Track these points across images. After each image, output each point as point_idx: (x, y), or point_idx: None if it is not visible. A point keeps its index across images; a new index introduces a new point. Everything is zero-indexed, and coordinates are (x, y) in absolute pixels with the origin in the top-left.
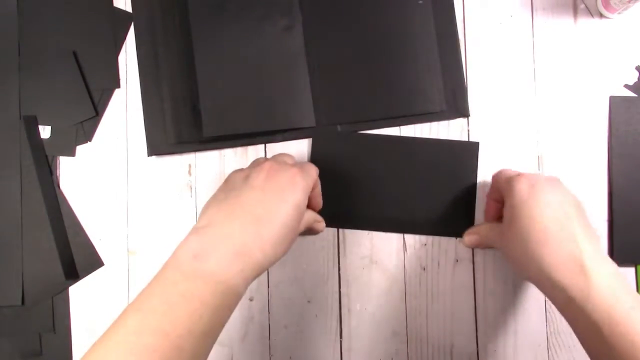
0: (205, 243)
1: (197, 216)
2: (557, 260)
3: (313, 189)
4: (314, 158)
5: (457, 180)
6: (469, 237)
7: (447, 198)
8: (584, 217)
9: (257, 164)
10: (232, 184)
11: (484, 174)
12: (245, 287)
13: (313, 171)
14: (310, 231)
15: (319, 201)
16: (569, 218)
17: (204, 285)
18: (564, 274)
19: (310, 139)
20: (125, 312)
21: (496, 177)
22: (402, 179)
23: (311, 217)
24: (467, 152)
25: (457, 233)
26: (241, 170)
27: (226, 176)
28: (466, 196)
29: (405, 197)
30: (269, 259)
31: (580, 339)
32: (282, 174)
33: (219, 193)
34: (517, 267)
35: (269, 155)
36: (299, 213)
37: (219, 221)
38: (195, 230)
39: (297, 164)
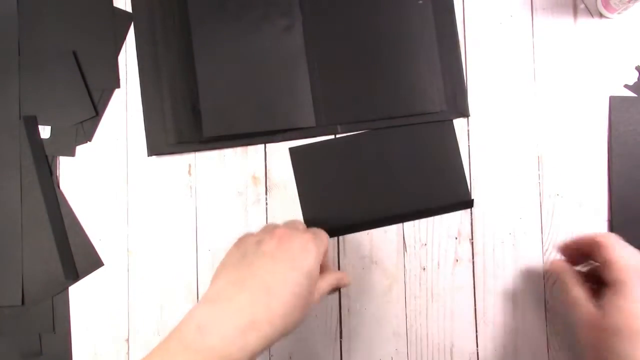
0: (211, 316)
1: (197, 216)
2: None
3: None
4: (298, 177)
5: (443, 160)
6: (557, 267)
7: (438, 178)
8: None
9: (269, 230)
10: (244, 249)
11: (481, 165)
12: None
13: (325, 237)
14: (336, 288)
15: (328, 264)
16: None
17: (203, 359)
18: None
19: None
20: None
21: (604, 247)
22: (389, 172)
23: (332, 279)
24: (445, 130)
25: (454, 208)
26: (252, 234)
27: (227, 173)
28: (456, 171)
29: (397, 188)
30: (278, 331)
31: None
32: (294, 241)
33: (230, 257)
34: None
35: (268, 155)
36: (311, 281)
37: (228, 293)
38: (204, 300)
39: (309, 230)
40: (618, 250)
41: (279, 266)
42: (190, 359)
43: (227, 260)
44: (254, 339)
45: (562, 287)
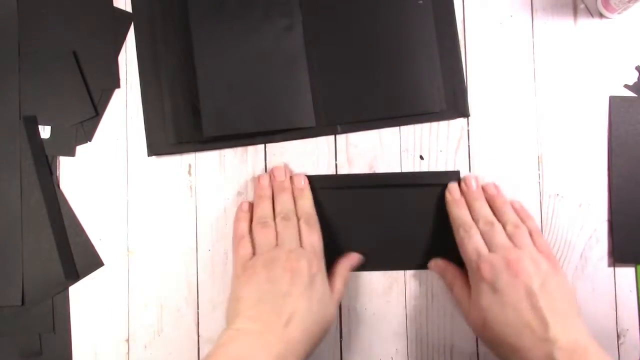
0: (243, 352)
1: (197, 216)
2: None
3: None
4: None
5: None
6: (438, 268)
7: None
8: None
9: (266, 241)
10: (254, 269)
11: (481, 165)
12: None
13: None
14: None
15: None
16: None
17: None
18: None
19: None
20: None
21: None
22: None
23: (343, 276)
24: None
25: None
26: (255, 251)
27: (227, 173)
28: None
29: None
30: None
31: None
32: (300, 266)
33: (241, 277)
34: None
35: (268, 155)
36: (318, 286)
37: (252, 327)
38: (233, 333)
39: (307, 250)
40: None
41: (294, 299)
42: None
43: (241, 283)
44: None
45: (447, 286)
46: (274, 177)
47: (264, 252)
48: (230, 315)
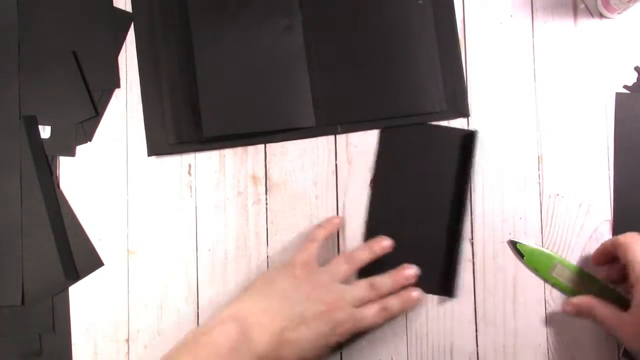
0: (240, 337)
1: (197, 216)
2: None
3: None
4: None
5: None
6: (576, 307)
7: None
8: None
9: (336, 271)
10: (279, 288)
11: (481, 165)
12: None
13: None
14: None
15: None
16: None
17: None
18: None
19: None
20: None
21: (624, 247)
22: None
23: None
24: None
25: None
26: (322, 266)
27: (227, 173)
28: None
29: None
30: None
31: None
32: (330, 322)
33: (262, 288)
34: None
35: (268, 155)
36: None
37: (256, 318)
38: (234, 318)
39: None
40: (637, 249)
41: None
42: None
43: (258, 289)
44: None
45: (594, 318)
46: (398, 276)
47: (326, 277)
48: (252, 286)
